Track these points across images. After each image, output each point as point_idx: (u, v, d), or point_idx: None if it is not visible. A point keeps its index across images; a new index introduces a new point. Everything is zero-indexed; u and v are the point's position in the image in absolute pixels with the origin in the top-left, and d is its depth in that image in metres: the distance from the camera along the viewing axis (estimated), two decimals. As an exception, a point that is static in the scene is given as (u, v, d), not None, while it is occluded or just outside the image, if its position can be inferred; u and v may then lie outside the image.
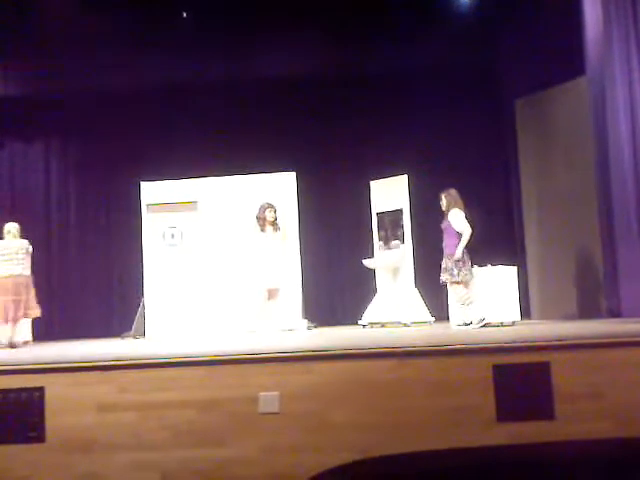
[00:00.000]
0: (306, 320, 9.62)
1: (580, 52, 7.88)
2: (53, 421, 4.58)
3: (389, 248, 9.80)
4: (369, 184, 10.10)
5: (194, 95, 10.40)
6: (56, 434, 4.56)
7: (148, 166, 10.21)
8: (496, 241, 8.98)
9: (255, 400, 4.56)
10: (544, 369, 4.56)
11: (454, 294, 7.66)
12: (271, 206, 7.89)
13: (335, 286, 10.89)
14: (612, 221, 7.49)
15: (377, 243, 10.01)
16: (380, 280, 9.84)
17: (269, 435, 4.52)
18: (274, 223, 7.87)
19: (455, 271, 7.43)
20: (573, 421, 4.51)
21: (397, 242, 9.64)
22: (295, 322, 9.30)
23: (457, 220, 7.50)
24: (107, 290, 10.99)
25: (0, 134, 10.82)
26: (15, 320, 7.69)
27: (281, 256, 7.87)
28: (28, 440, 4.54)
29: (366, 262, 9.77)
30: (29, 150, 11.18)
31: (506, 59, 9.63)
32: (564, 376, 4.57)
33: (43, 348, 7.43)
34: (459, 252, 7.41)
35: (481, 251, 7.77)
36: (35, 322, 8.52)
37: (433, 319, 9.09)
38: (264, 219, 7.86)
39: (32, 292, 7.83)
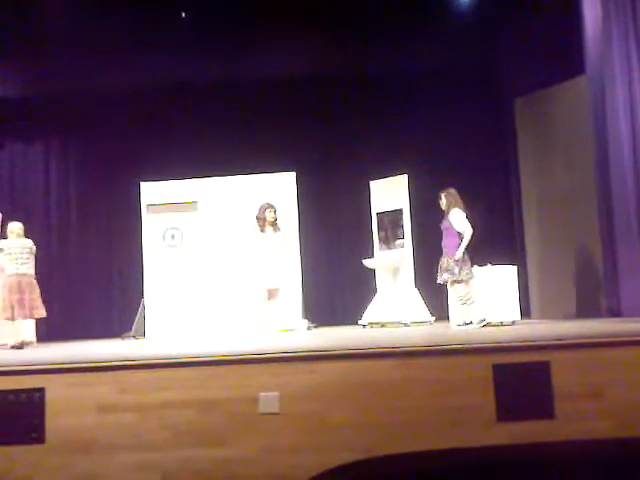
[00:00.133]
0: (306, 320, 9.64)
1: (580, 51, 7.87)
2: (53, 422, 4.58)
3: (392, 247, 9.80)
4: (369, 184, 10.11)
5: (194, 95, 10.41)
6: (56, 435, 4.56)
7: (148, 166, 10.22)
8: (496, 241, 8.97)
9: (255, 400, 4.56)
10: (544, 369, 4.57)
11: (455, 293, 7.65)
12: (271, 206, 7.88)
13: (335, 286, 10.89)
14: (612, 220, 7.47)
15: (377, 243, 10.02)
16: (380, 280, 9.83)
17: (269, 435, 4.53)
18: (274, 223, 7.86)
19: (456, 270, 7.41)
20: (573, 421, 4.52)
21: (402, 241, 9.64)
22: (295, 322, 9.31)
23: (458, 220, 7.48)
24: (107, 289, 10.97)
25: (0, 134, 10.81)
26: (24, 317, 7.70)
27: (281, 256, 7.86)
28: (28, 441, 4.54)
29: (366, 262, 9.77)
30: (29, 150, 11.16)
31: (506, 59, 9.63)
32: (564, 375, 4.57)
33: (43, 349, 7.43)
34: (460, 253, 7.40)
35: (481, 251, 7.76)
36: (36, 322, 8.54)
37: (433, 319, 9.10)
38: (264, 219, 7.85)
39: (37, 291, 7.81)
